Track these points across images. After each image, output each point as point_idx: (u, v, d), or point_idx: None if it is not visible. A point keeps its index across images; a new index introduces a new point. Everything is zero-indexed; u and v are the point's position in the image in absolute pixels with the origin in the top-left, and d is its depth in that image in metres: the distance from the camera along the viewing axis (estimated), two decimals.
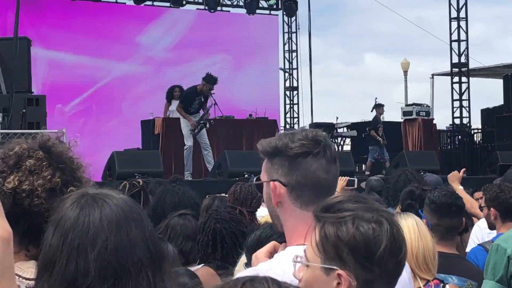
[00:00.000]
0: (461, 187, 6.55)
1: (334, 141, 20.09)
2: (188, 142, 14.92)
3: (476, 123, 23.04)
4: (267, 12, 24.75)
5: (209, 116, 15.33)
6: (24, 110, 13.19)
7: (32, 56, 14.96)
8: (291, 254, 2.28)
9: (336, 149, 2.40)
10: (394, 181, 6.72)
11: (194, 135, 14.93)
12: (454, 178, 6.66)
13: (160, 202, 5.84)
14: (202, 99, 14.95)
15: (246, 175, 13.57)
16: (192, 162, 15.31)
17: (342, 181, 7.86)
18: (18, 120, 13.26)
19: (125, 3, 22.83)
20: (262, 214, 7.43)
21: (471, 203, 6.31)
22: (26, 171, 2.33)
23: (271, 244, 2.50)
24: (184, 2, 23.01)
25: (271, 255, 2.45)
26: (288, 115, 24.75)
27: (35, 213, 2.30)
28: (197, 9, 23.75)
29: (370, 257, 1.91)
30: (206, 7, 23.31)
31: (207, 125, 15.05)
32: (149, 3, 23.04)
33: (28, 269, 2.27)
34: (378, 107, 18.25)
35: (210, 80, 15.00)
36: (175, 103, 16.08)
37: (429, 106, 19.60)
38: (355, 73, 57.98)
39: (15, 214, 2.27)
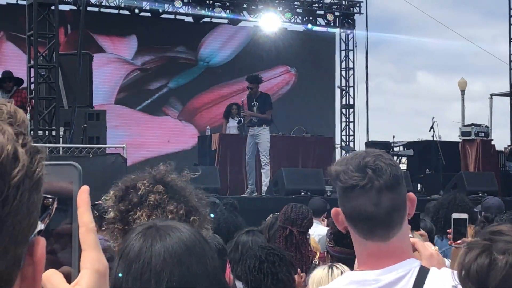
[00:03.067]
0: None
1: None
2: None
3: None
4: (325, 29, 24.79)
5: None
6: (85, 125, 13.42)
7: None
8: (347, 278, 2.36)
9: (395, 174, 2.23)
10: (446, 205, 6.55)
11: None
12: None
13: None
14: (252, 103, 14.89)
15: (302, 193, 13.58)
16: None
17: None
18: (79, 134, 13.49)
19: (183, 19, 23.12)
20: (318, 232, 7.44)
21: None
22: (151, 207, 2.40)
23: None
24: (241, 20, 23.25)
25: None
26: (344, 133, 24.69)
27: None
28: (254, 25, 23.91)
29: None
30: (264, 25, 23.47)
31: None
32: (207, 20, 23.27)
33: None
34: None
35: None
36: (232, 121, 16.19)
37: (488, 127, 19.36)
38: (407, 91, 57.58)
39: None
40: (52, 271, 1.15)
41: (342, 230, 2.44)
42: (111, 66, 21.91)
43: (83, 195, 1.18)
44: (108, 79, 21.54)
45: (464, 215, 5.07)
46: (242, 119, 14.78)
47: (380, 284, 2.30)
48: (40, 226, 1.09)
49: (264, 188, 14.74)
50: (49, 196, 1.11)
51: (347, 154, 2.52)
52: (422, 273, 2.33)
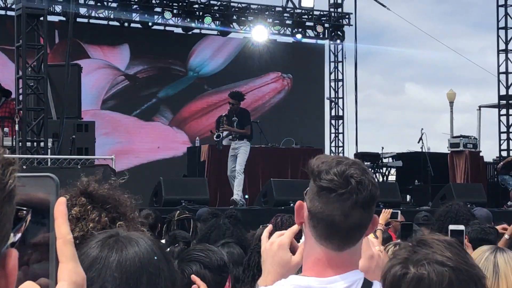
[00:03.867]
0: None
1: (379, 171, 20.02)
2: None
3: None
4: (314, 41, 24.85)
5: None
6: (73, 136, 13.39)
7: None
8: (292, 282, 2.31)
9: (373, 195, 2.31)
10: (443, 217, 6.59)
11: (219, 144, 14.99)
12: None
13: (205, 238, 5.82)
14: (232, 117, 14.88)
15: (292, 204, 13.57)
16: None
17: (386, 213, 7.95)
18: (68, 145, 13.47)
19: (173, 31, 23.12)
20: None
21: None
22: (74, 219, 2.40)
23: (291, 232, 2.48)
24: (231, 32, 23.32)
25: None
26: (333, 144, 24.72)
27: None
28: (244, 37, 23.95)
29: None
30: (253, 37, 23.51)
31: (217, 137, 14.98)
32: (197, 31, 23.30)
33: None
34: None
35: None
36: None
37: (476, 139, 19.44)
38: (396, 102, 57.72)
39: None
40: (29, 283, 1.15)
41: (298, 225, 2.40)
42: (99, 72, 21.82)
43: (60, 207, 1.17)
44: (96, 84, 21.47)
45: (461, 227, 5.09)
46: (220, 133, 14.82)
47: None
48: (13, 238, 1.08)
49: (236, 197, 14.66)
50: (24, 208, 1.10)
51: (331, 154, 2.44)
52: (366, 286, 2.30)
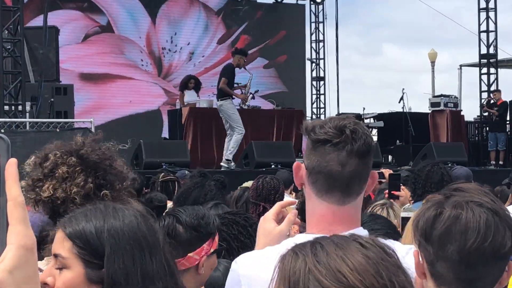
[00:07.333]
0: None
1: None
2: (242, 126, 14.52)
3: None
4: (294, 1, 24.70)
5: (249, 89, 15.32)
6: (52, 99, 13.27)
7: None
8: (296, 242, 2.28)
9: (369, 144, 2.31)
10: (425, 175, 6.54)
11: (247, 106, 15.07)
12: None
13: (187, 192, 5.77)
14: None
15: (273, 166, 13.58)
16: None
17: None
18: (46, 109, 13.36)
19: None
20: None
21: None
22: (60, 179, 2.33)
23: (278, 205, 2.52)
24: None
25: (278, 217, 2.49)
26: (314, 105, 24.71)
27: None
28: None
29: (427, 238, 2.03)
30: None
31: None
32: None
33: None
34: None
35: (242, 51, 14.98)
36: (188, 93, 16.25)
37: (457, 98, 19.49)
38: (375, 63, 57.76)
39: (55, 221, 2.29)
40: None
41: (298, 186, 2.41)
42: (73, 24, 21.28)
43: (10, 168, 1.14)
44: (69, 37, 21.02)
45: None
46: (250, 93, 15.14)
47: None
48: None
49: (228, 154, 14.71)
50: None
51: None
52: None
